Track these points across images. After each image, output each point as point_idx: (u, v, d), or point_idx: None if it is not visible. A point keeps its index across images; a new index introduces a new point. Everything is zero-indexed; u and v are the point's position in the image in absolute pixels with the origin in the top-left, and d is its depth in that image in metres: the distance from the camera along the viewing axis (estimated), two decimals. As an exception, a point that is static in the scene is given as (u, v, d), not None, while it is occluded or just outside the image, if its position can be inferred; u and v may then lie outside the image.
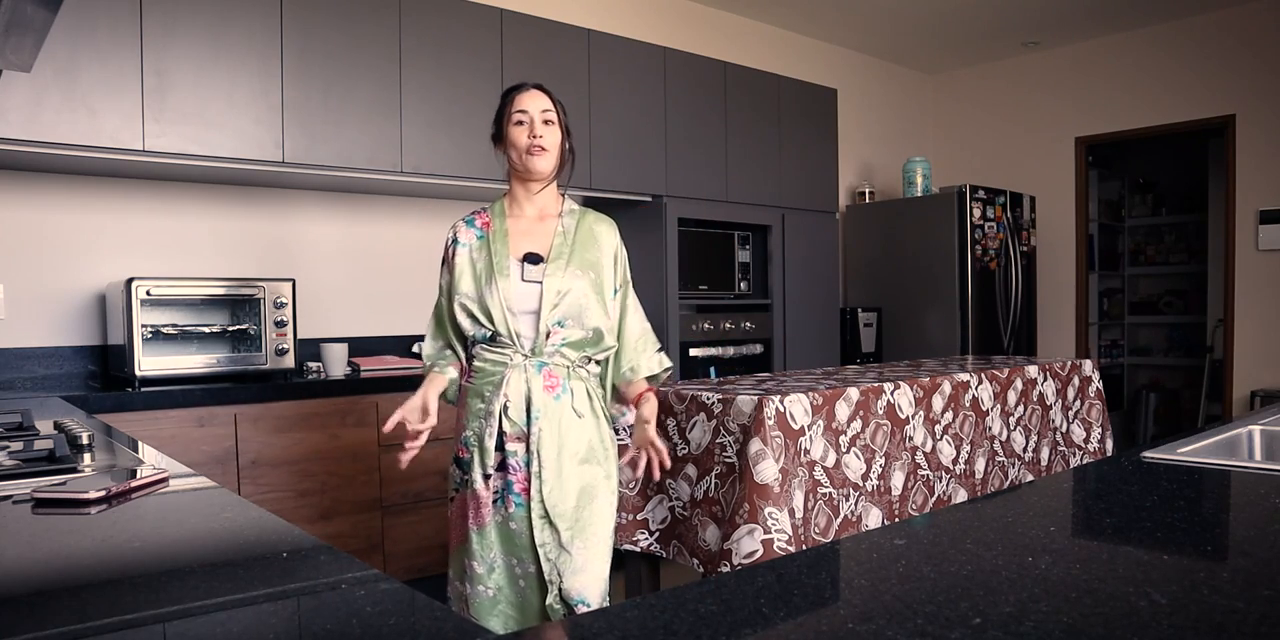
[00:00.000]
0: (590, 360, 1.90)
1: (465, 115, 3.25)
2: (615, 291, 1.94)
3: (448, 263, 1.94)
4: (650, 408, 1.90)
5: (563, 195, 1.99)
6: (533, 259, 1.85)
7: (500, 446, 1.82)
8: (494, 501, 1.83)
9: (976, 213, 4.79)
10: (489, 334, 1.85)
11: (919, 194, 5.07)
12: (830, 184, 4.64)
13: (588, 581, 1.82)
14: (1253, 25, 4.83)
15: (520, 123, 1.88)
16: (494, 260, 1.86)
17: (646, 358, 1.97)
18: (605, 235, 1.95)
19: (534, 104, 1.89)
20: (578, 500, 1.82)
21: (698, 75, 4.01)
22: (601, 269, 1.90)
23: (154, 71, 2.60)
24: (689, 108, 3.96)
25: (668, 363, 2.00)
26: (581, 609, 1.80)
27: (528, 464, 1.81)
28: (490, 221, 1.93)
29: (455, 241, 1.93)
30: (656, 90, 3.83)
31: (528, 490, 1.81)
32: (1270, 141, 4.80)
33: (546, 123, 1.89)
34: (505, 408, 1.81)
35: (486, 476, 1.83)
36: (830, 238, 4.63)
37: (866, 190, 5.35)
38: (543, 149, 1.88)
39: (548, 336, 1.82)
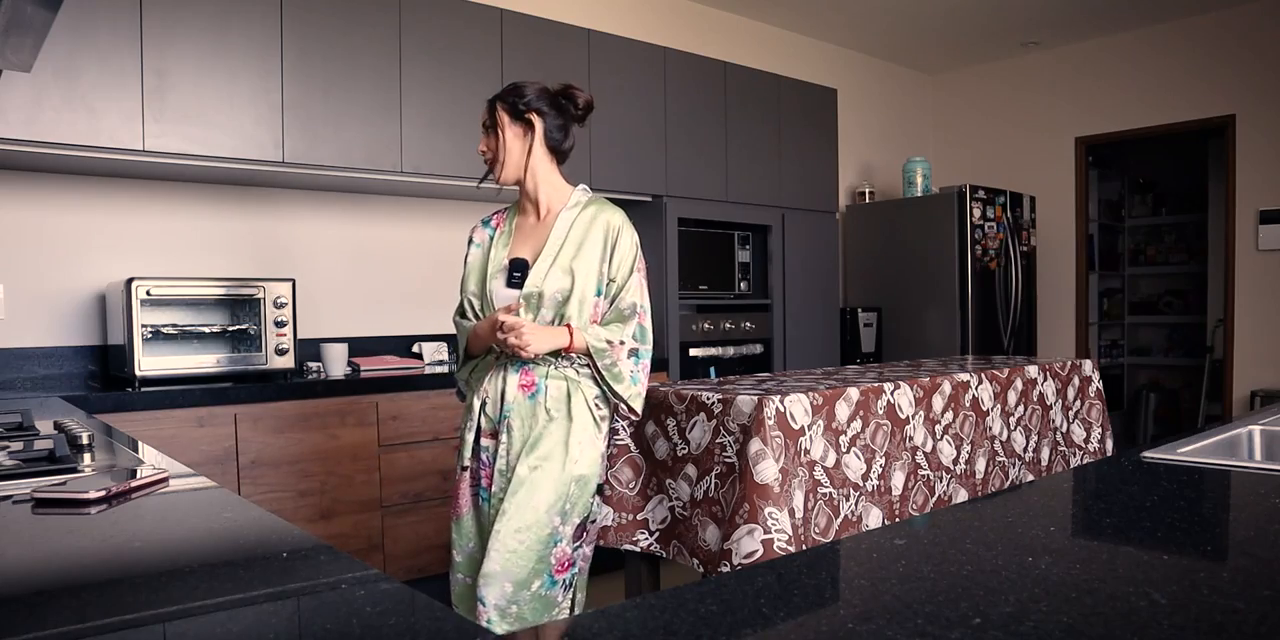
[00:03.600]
0: (573, 361, 1.86)
1: (465, 115, 3.25)
2: (607, 283, 1.89)
3: (465, 261, 2.02)
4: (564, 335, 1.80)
5: (573, 186, 1.97)
6: (517, 265, 1.87)
7: (477, 440, 1.88)
8: (473, 493, 1.89)
9: (976, 213, 4.79)
10: None
11: (919, 194, 5.07)
12: (830, 184, 4.64)
13: (488, 579, 1.70)
14: (1253, 25, 4.83)
15: None
16: (490, 263, 1.92)
17: (600, 330, 1.85)
18: (605, 228, 1.89)
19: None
20: (509, 489, 1.78)
21: (698, 75, 4.00)
22: (592, 266, 1.86)
23: (154, 71, 2.60)
24: (689, 108, 3.95)
25: (612, 352, 1.85)
26: (479, 609, 1.70)
27: (494, 460, 1.84)
28: (502, 223, 1.99)
29: (471, 241, 2.00)
30: (656, 90, 3.83)
31: (491, 485, 1.85)
32: (1270, 141, 4.80)
33: (484, 131, 1.93)
34: (484, 403, 1.87)
35: (464, 468, 1.89)
36: (830, 238, 4.63)
37: (866, 190, 5.35)
38: (486, 162, 1.94)
39: None
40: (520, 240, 1.93)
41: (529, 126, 1.89)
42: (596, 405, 1.88)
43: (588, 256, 1.87)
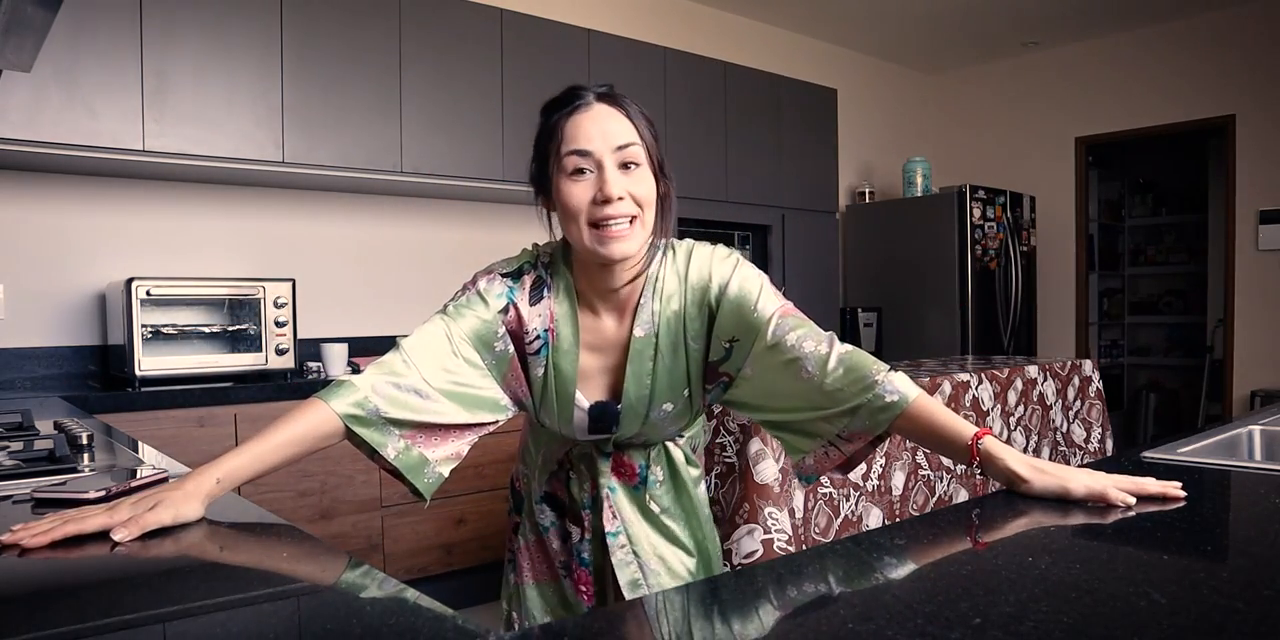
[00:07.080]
0: (670, 429, 1.34)
1: (465, 115, 3.25)
2: (726, 351, 1.21)
3: (489, 343, 1.18)
4: (998, 448, 1.03)
5: (652, 250, 1.21)
6: (604, 417, 1.26)
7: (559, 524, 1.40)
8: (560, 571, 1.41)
9: (976, 213, 4.79)
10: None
11: (919, 194, 5.07)
12: (830, 184, 4.64)
13: None
14: (1252, 25, 4.83)
15: (580, 171, 1.12)
16: (557, 389, 1.23)
17: (877, 376, 1.10)
18: (702, 296, 1.21)
19: (603, 134, 1.13)
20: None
21: (698, 75, 4.00)
22: (697, 354, 1.25)
23: (154, 72, 2.60)
24: (689, 108, 3.95)
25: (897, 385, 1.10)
26: None
27: (595, 569, 1.35)
28: (555, 320, 1.21)
29: (520, 335, 1.21)
30: (656, 90, 3.83)
31: (593, 595, 1.36)
32: (1270, 141, 4.80)
33: (627, 166, 1.13)
34: (555, 525, 1.37)
35: (541, 532, 1.41)
36: (830, 238, 4.63)
37: (866, 190, 5.35)
38: (625, 223, 1.11)
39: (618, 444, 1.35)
40: (592, 360, 1.24)
41: (660, 171, 1.18)
42: (693, 451, 1.44)
43: (692, 348, 1.24)
